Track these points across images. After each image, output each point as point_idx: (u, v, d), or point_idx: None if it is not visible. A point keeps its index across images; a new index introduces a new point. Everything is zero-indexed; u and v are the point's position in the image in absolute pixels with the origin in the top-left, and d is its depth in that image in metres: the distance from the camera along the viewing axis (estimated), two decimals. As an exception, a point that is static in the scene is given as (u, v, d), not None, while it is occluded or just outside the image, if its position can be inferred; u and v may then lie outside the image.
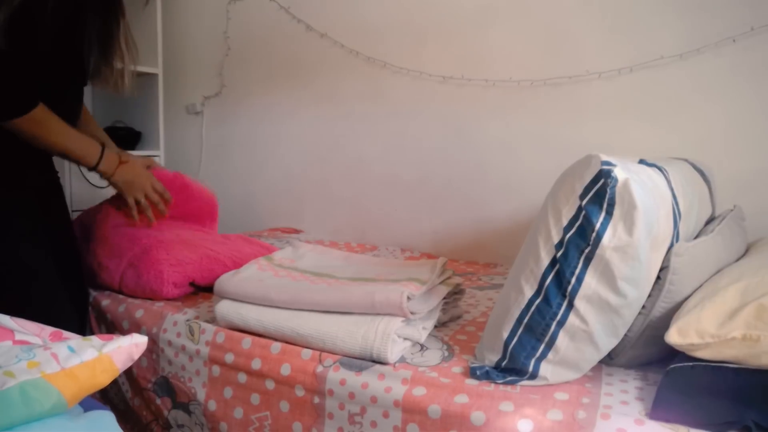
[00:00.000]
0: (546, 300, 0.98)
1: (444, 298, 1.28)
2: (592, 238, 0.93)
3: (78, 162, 1.37)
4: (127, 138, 2.43)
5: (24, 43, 1.18)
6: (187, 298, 1.51)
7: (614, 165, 0.94)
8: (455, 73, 2.08)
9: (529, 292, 1.00)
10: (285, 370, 1.14)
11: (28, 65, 1.21)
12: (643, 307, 1.01)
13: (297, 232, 2.43)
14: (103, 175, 1.42)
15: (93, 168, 1.38)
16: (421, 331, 1.17)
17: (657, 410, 0.88)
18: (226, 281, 1.30)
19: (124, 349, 0.78)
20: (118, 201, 1.57)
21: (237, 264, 1.56)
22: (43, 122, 1.24)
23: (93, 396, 0.85)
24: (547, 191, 1.08)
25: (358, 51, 2.25)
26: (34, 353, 0.72)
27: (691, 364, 0.90)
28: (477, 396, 0.97)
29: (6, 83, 1.18)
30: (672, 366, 0.92)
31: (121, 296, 1.51)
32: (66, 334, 0.85)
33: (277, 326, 1.19)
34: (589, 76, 1.87)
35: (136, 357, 0.80)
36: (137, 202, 1.49)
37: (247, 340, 1.22)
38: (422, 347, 1.17)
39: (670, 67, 1.77)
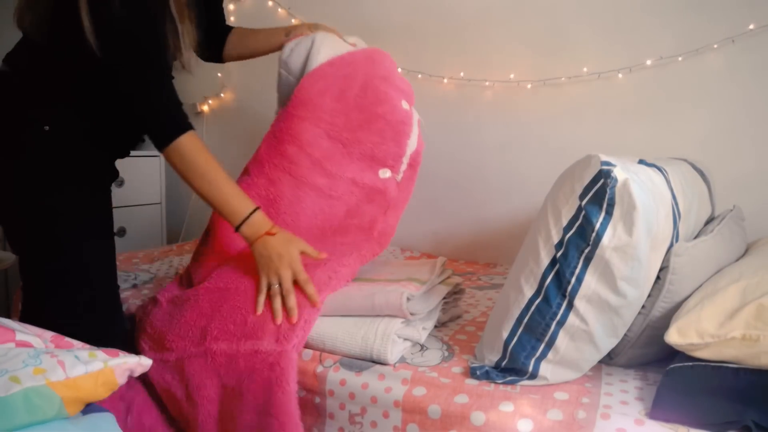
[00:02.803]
0: (546, 300, 0.98)
1: (444, 298, 1.28)
2: (592, 238, 0.94)
3: (220, 214, 1.21)
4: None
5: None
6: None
7: (614, 165, 0.94)
8: (455, 73, 2.08)
9: (529, 292, 1.00)
10: (285, 370, 1.14)
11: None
12: (643, 307, 1.02)
13: (297, 232, 2.42)
14: (245, 240, 1.21)
15: (236, 228, 1.19)
16: (421, 331, 1.17)
17: (657, 410, 0.88)
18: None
19: (129, 366, 0.78)
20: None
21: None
22: (191, 157, 1.13)
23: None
24: (547, 191, 1.08)
25: (358, 51, 2.25)
26: (41, 359, 0.72)
27: (690, 364, 0.90)
28: (477, 396, 0.97)
29: (165, 105, 1.13)
30: (672, 366, 0.92)
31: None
32: (68, 339, 0.85)
33: (278, 326, 1.19)
34: (589, 77, 1.87)
35: (137, 375, 0.80)
36: (269, 288, 1.18)
37: (248, 341, 1.21)
38: (422, 347, 1.17)
39: (669, 67, 1.77)
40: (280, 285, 1.16)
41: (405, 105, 1.46)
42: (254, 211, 1.19)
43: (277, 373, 1.06)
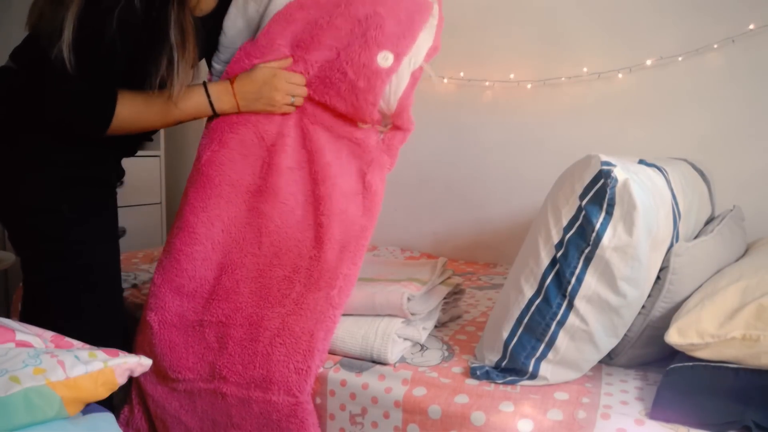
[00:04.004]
0: (546, 300, 0.98)
1: (444, 298, 1.28)
2: (592, 238, 0.94)
3: (192, 118, 1.19)
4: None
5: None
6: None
7: (614, 165, 0.94)
8: (455, 73, 2.08)
9: (529, 292, 1.00)
10: (285, 370, 1.14)
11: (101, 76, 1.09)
12: (643, 307, 1.02)
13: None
14: (230, 110, 1.20)
15: (215, 114, 1.19)
16: (421, 331, 1.17)
17: (657, 410, 0.88)
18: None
19: (129, 366, 0.78)
20: None
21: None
22: (135, 116, 1.11)
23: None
24: (547, 191, 1.08)
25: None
26: (41, 359, 0.72)
27: (691, 364, 0.90)
28: (477, 396, 0.97)
29: (79, 102, 1.08)
30: (672, 366, 0.92)
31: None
32: (68, 339, 0.85)
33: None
34: (589, 77, 1.87)
35: (137, 375, 0.80)
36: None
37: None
38: (422, 347, 1.17)
39: (669, 67, 1.77)
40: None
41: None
42: (206, 88, 1.18)
43: (296, 425, 1.06)
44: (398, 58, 1.17)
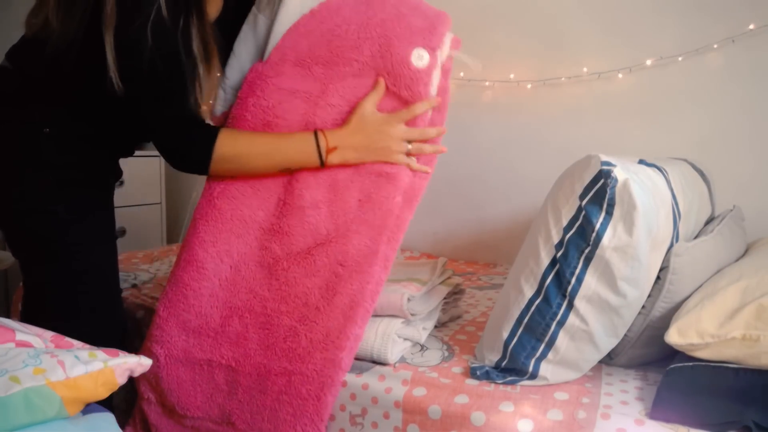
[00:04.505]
0: (546, 300, 0.98)
1: (444, 298, 1.28)
2: (592, 238, 0.94)
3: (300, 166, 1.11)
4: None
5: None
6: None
7: (614, 165, 0.94)
8: (456, 73, 2.08)
9: (529, 292, 1.00)
10: (285, 370, 1.14)
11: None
12: (643, 307, 1.02)
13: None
14: (341, 163, 1.10)
15: (321, 164, 1.09)
16: (421, 331, 1.17)
17: (657, 410, 0.88)
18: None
19: (129, 366, 0.78)
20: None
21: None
22: (236, 156, 1.07)
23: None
24: (547, 191, 1.08)
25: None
26: (41, 359, 0.72)
27: (691, 364, 0.90)
28: (477, 396, 0.97)
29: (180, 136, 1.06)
30: (672, 366, 0.92)
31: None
32: (68, 339, 0.85)
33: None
34: (589, 77, 1.87)
35: (137, 375, 0.80)
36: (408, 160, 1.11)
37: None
38: (422, 347, 1.17)
39: (669, 67, 1.77)
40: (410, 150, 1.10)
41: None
42: (316, 137, 1.08)
43: None
44: (433, 53, 1.08)
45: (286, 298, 1.09)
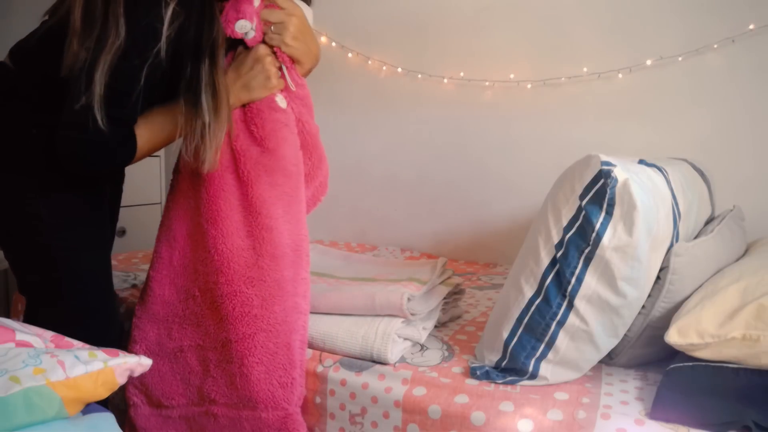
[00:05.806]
0: (546, 300, 0.98)
1: (444, 298, 1.28)
2: (592, 238, 0.94)
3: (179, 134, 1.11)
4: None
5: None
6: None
7: (614, 165, 0.94)
8: (455, 73, 2.08)
9: (529, 292, 1.01)
10: (285, 370, 1.14)
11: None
12: (643, 307, 1.02)
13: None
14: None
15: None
16: (421, 331, 1.17)
17: (657, 410, 0.88)
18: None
19: (128, 366, 0.78)
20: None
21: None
22: (147, 144, 1.09)
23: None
24: (547, 191, 1.08)
25: (358, 51, 2.25)
26: (41, 359, 0.72)
27: (691, 364, 0.90)
28: (477, 396, 0.97)
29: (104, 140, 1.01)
30: (672, 366, 0.92)
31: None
32: (68, 339, 0.85)
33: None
34: (589, 77, 1.87)
35: (137, 375, 0.80)
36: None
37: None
38: (422, 347, 1.17)
39: (669, 67, 1.77)
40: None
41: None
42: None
43: None
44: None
45: (222, 268, 1.09)
